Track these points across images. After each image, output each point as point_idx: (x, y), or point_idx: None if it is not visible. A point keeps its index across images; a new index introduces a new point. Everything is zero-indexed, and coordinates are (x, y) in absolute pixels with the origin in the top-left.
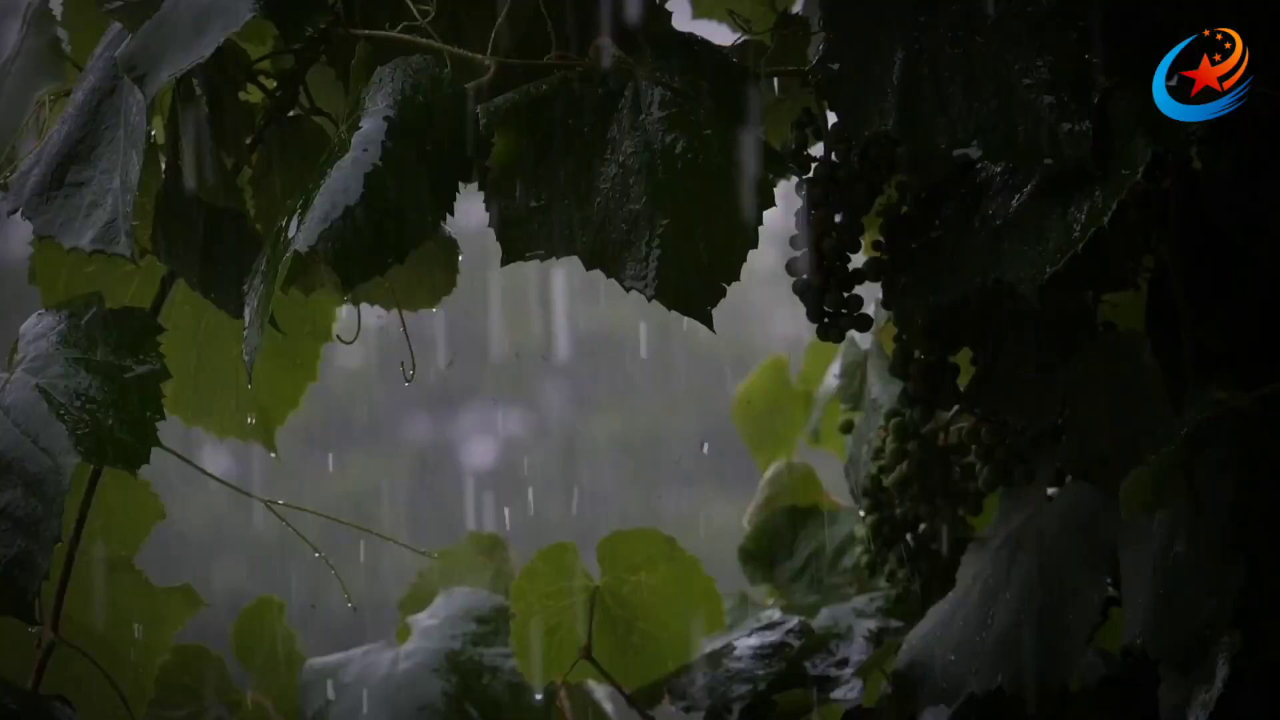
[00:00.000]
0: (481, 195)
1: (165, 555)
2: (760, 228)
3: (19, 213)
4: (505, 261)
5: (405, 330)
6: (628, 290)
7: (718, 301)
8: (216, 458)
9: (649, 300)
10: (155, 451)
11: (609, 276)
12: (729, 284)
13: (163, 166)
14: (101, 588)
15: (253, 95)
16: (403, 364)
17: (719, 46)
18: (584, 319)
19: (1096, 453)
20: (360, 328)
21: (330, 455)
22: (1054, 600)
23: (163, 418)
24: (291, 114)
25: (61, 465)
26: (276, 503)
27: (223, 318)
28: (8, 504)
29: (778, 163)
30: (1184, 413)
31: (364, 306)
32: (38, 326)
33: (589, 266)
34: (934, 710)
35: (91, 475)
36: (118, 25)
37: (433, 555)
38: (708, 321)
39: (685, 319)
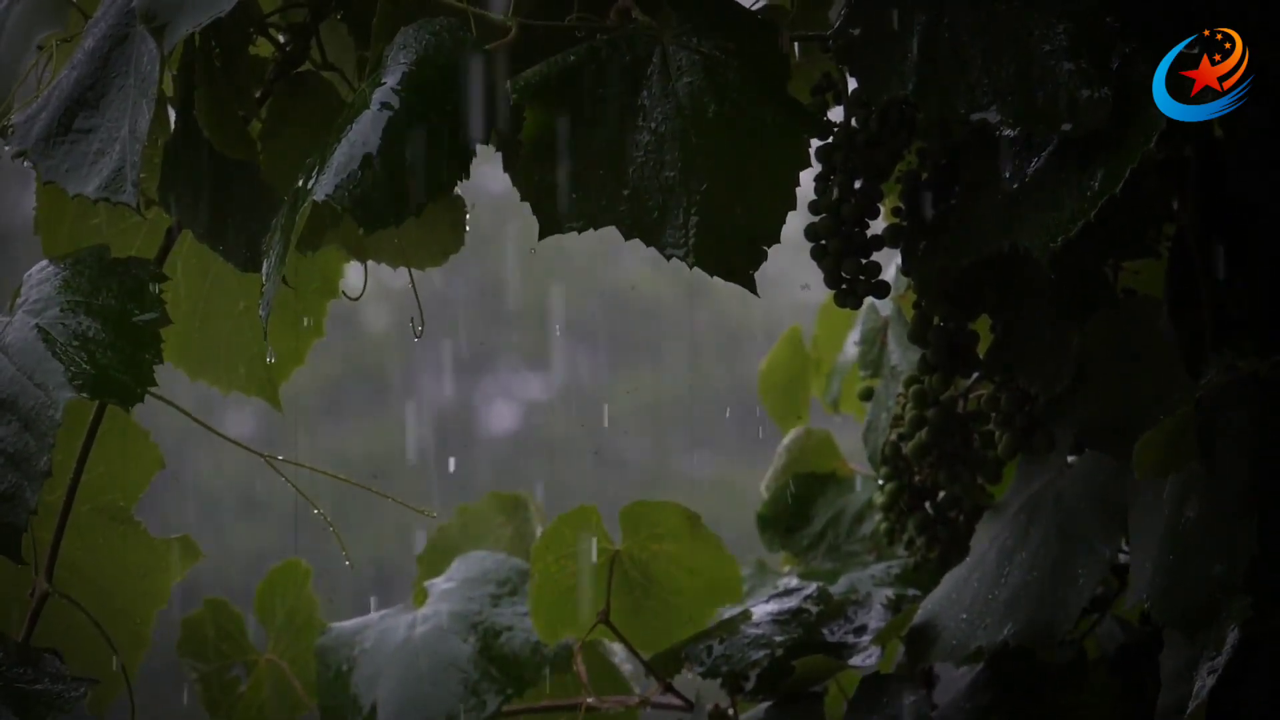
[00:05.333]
0: (499, 158)
1: (185, 513)
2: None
3: (24, 156)
4: (543, 235)
5: (414, 287)
6: (668, 258)
7: (759, 265)
8: (250, 419)
9: (690, 268)
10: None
11: (648, 245)
12: (769, 246)
13: (171, 117)
14: (98, 538)
15: (263, 49)
16: (412, 319)
17: (743, 6)
18: (608, 282)
19: (1111, 418)
20: (372, 288)
21: (355, 416)
22: (1067, 554)
23: (160, 359)
24: (303, 68)
25: (55, 399)
26: (277, 458)
27: (228, 272)
28: (1, 439)
29: (812, 121)
30: (1201, 378)
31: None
32: (40, 274)
33: (628, 236)
34: (952, 677)
35: (91, 423)
36: None
37: (431, 514)
38: (750, 285)
39: (712, 285)
